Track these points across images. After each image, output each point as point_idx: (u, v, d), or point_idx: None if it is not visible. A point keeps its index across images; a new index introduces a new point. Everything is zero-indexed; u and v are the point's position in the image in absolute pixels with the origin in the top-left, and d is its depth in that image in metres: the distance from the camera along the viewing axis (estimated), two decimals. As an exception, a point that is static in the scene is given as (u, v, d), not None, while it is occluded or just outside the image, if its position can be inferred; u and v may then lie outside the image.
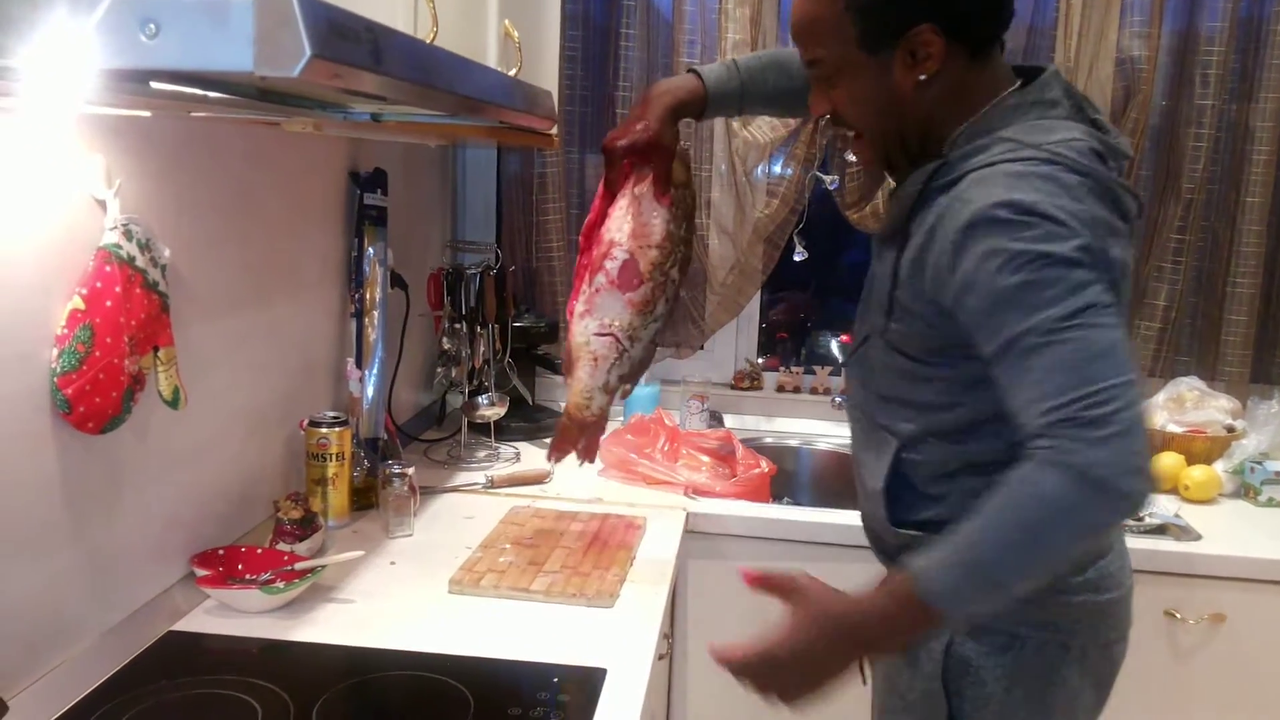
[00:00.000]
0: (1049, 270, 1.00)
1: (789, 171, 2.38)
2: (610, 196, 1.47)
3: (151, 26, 0.60)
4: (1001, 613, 1.18)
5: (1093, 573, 1.23)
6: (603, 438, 2.15)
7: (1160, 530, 1.87)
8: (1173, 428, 2.17)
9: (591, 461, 1.63)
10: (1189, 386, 2.24)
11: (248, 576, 1.43)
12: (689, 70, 1.49)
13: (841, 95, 1.19)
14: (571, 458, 1.59)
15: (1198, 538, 1.85)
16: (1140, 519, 1.90)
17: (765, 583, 1.11)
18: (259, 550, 1.49)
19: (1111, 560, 1.26)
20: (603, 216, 1.47)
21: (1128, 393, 0.97)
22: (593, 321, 1.47)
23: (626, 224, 1.43)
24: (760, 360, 2.65)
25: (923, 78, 1.14)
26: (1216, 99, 2.25)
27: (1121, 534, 1.33)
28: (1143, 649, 1.47)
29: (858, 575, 1.79)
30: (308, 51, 0.60)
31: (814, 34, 1.18)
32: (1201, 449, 2.15)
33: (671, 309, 1.50)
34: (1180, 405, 2.21)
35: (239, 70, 0.60)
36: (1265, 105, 2.24)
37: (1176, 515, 1.93)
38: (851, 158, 2.33)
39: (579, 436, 1.58)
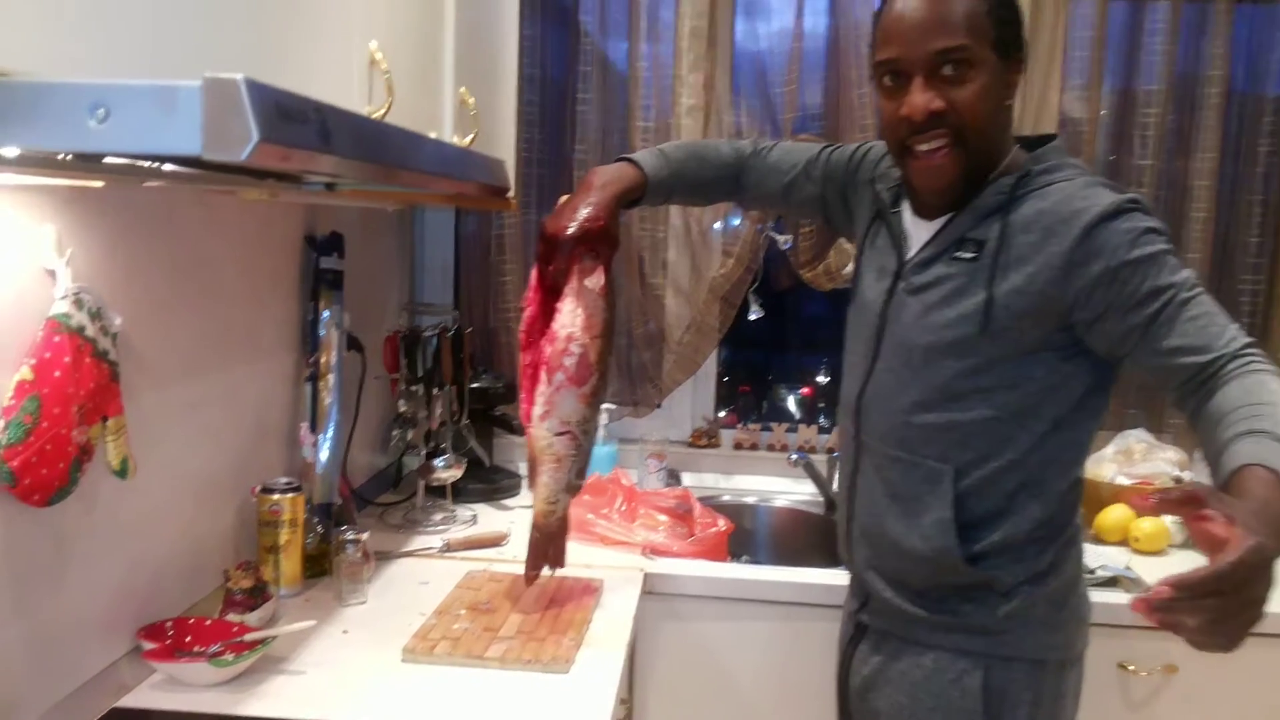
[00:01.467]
0: (1169, 245, 1.25)
1: (743, 230, 2.42)
2: (549, 289, 1.49)
3: (101, 111, 0.61)
4: (1029, 641, 1.36)
5: (1081, 596, 1.42)
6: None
7: (1112, 583, 1.89)
8: (1122, 480, 2.21)
9: (563, 566, 1.66)
10: (1137, 439, 2.28)
11: (196, 649, 1.41)
12: (622, 159, 1.53)
13: (971, 90, 1.26)
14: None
15: (1148, 590, 1.87)
16: (1091, 571, 1.93)
17: (1167, 503, 1.03)
18: (208, 621, 1.46)
19: (1085, 583, 1.43)
20: (546, 311, 1.48)
21: None
22: (554, 421, 1.49)
23: (579, 316, 1.45)
24: (722, 415, 2.67)
25: (1008, 102, 1.31)
26: (1155, 158, 2.32)
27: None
28: (1097, 701, 1.49)
29: (817, 633, 1.81)
30: (255, 136, 0.61)
31: (960, 24, 1.25)
32: (1151, 501, 2.18)
33: (603, 397, 1.56)
34: (1129, 457, 2.25)
35: (188, 154, 0.61)
36: (1202, 164, 2.32)
37: (1127, 568, 1.96)
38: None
39: (549, 545, 1.61)
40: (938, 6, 1.25)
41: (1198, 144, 2.33)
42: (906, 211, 1.43)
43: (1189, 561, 2.04)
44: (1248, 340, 1.21)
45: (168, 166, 0.97)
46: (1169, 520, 2.12)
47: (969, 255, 1.30)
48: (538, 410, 1.50)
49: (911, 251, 1.39)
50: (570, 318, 1.46)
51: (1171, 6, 2.27)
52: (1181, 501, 0.99)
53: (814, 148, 1.63)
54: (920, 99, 1.26)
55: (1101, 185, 1.29)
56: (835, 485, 2.39)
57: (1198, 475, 2.20)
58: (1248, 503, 0.99)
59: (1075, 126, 2.32)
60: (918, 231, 1.39)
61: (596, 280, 1.45)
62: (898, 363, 1.38)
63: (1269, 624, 1.79)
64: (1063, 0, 2.28)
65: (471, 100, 1.61)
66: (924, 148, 1.29)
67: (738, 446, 2.61)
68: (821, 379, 2.96)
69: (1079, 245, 1.23)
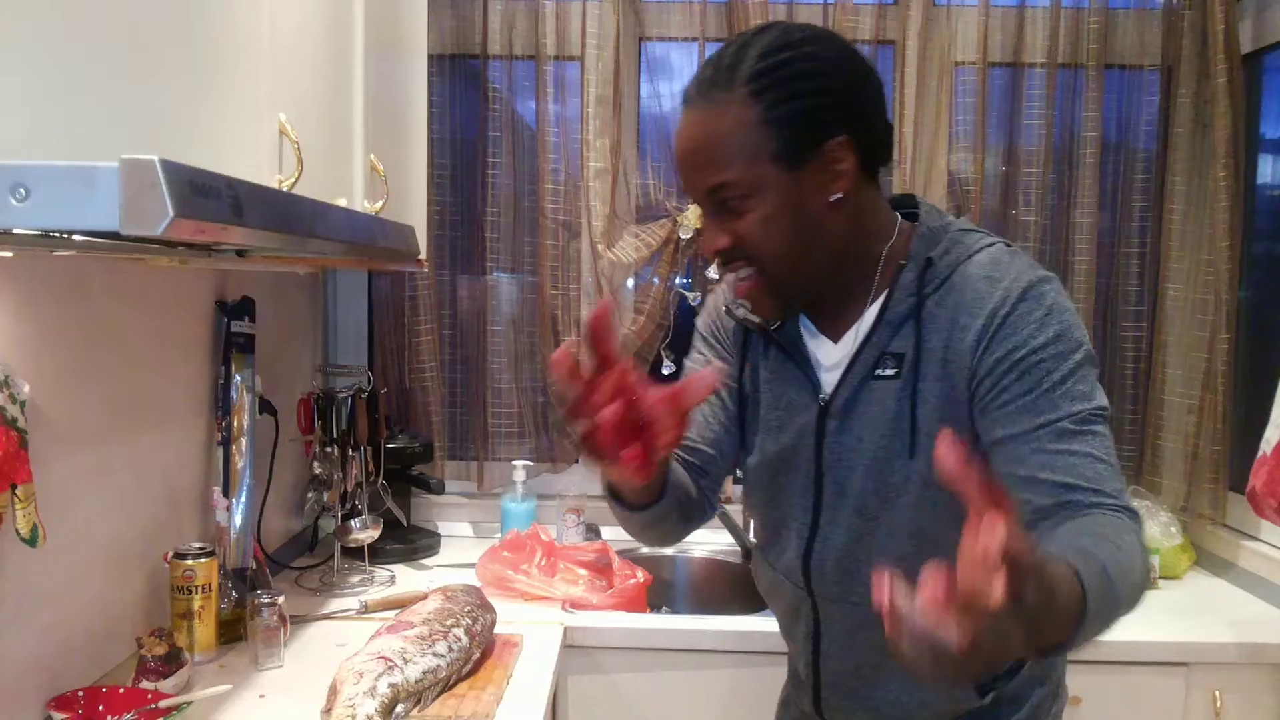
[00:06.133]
0: (1087, 359, 1.08)
1: (654, 287, 2.49)
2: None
3: (21, 190, 0.64)
4: (1027, 675, 1.26)
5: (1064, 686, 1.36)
6: (479, 556, 2.16)
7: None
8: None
9: None
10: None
11: (109, 718, 1.39)
12: None
13: (751, 221, 1.11)
14: None
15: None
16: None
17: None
18: (121, 690, 1.44)
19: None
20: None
21: None
22: (363, 654, 1.49)
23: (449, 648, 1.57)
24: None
25: (835, 197, 1.11)
26: (1039, 215, 2.46)
27: None
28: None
29: (735, 680, 1.85)
30: (170, 213, 0.65)
31: (723, 154, 1.09)
32: (1048, 539, 2.28)
33: (464, 664, 1.59)
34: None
35: (106, 230, 0.64)
36: (1082, 219, 2.47)
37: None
38: (713, 274, 2.45)
39: None
40: (700, 141, 1.11)
41: (1077, 200, 2.48)
42: (806, 336, 1.26)
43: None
44: (1121, 503, 1.03)
45: (79, 236, 0.99)
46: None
47: (890, 373, 1.17)
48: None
49: (829, 386, 1.22)
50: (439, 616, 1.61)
51: (1046, 73, 2.43)
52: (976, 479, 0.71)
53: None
54: (707, 239, 1.17)
55: (1007, 252, 1.16)
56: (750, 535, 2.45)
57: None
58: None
59: (964, 185, 2.45)
60: (829, 358, 1.23)
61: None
62: (851, 513, 1.21)
63: (1166, 652, 1.93)
64: (947, 68, 2.42)
65: (381, 168, 1.65)
66: (738, 276, 1.18)
67: (654, 499, 2.65)
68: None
69: (991, 330, 1.10)
